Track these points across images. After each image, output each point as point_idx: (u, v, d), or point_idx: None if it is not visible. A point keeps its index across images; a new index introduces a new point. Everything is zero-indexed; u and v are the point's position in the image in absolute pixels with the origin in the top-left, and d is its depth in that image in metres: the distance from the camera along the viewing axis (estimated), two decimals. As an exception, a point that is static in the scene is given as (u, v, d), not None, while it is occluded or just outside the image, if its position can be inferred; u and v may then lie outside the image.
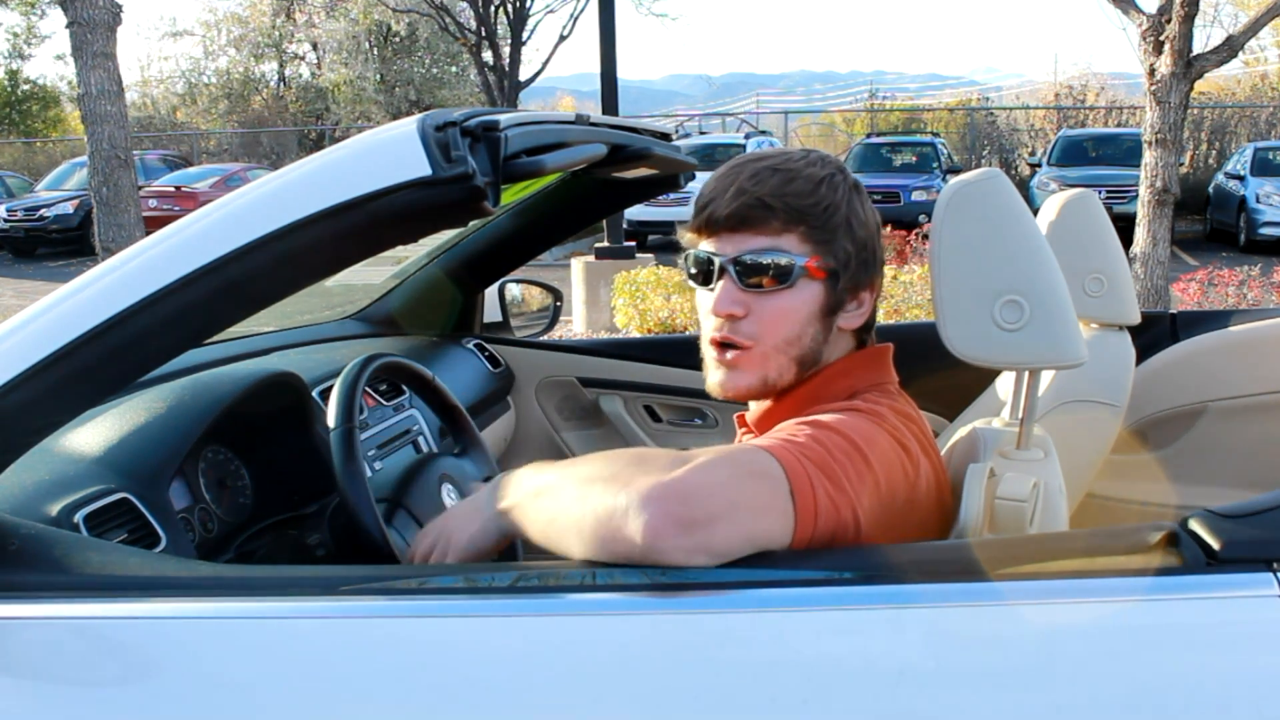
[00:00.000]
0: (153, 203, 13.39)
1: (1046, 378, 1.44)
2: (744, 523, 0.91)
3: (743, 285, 1.14)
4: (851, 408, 1.09)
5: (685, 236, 1.20)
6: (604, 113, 7.95)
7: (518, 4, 15.87)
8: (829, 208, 1.13)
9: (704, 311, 1.18)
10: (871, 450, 1.03)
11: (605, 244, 8.82)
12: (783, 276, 1.13)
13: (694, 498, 0.90)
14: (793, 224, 1.12)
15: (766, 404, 1.21)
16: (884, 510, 1.01)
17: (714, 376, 1.18)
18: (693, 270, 1.18)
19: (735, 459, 0.95)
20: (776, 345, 1.14)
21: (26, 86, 26.76)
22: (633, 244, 9.51)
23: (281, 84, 26.49)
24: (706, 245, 1.17)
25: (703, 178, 1.39)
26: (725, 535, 0.90)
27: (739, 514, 0.91)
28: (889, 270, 6.19)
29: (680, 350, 2.48)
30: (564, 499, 0.99)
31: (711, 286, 1.16)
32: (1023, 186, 13.92)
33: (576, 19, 15.60)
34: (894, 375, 1.21)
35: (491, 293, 2.62)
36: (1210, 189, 14.44)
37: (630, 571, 0.92)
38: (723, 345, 1.16)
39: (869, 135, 17.30)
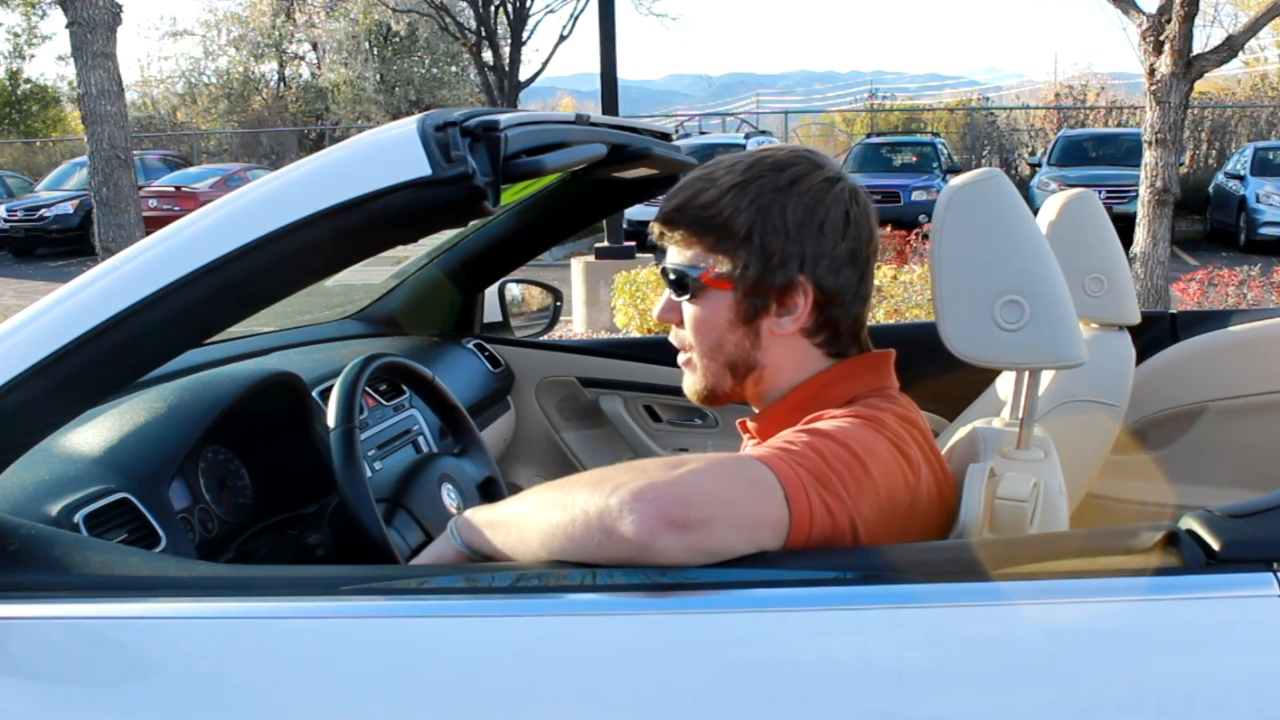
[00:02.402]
0: (153, 203, 13.38)
1: (1046, 378, 1.44)
2: (737, 527, 0.91)
3: (674, 294, 1.19)
4: (852, 414, 1.09)
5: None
6: (604, 113, 7.95)
7: (518, 4, 15.89)
8: (729, 217, 1.12)
9: None
10: (871, 458, 1.02)
11: (605, 244, 8.82)
12: (681, 288, 1.17)
13: (689, 500, 0.90)
14: (696, 236, 1.15)
15: (765, 409, 1.20)
16: (884, 517, 1.01)
17: (683, 380, 1.24)
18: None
19: (728, 466, 0.96)
20: (703, 352, 1.18)
21: (26, 86, 26.75)
22: (633, 244, 9.50)
23: (281, 84, 26.50)
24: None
25: None
26: (720, 538, 0.90)
27: (733, 518, 0.91)
28: (889, 270, 6.17)
29: None
30: (541, 512, 0.99)
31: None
32: (1023, 186, 13.91)
33: (576, 19, 15.65)
34: (895, 380, 1.20)
35: (491, 293, 2.62)
36: (1210, 189, 14.43)
37: (630, 571, 0.92)
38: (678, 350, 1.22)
39: (869, 135, 17.28)
